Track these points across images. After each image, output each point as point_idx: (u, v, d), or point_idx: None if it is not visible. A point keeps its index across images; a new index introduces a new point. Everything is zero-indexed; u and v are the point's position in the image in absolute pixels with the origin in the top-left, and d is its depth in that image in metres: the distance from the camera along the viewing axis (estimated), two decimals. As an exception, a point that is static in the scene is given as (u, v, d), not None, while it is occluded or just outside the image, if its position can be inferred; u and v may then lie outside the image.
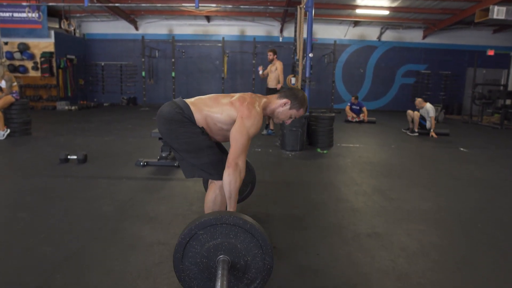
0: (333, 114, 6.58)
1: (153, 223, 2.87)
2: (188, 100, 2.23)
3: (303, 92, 2.42)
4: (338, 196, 3.75)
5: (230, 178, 1.97)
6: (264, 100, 2.31)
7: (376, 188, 4.04)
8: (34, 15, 8.68)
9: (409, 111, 8.41)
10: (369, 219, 3.11)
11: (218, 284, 1.54)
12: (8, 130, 6.46)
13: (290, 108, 2.31)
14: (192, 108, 2.16)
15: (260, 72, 7.54)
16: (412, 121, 8.34)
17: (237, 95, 2.24)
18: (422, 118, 8.27)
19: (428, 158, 5.95)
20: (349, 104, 10.81)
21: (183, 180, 4.09)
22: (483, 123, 10.99)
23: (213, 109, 2.17)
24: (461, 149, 6.69)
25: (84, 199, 3.42)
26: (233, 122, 2.11)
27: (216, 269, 1.66)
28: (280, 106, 2.31)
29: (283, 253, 2.43)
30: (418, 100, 8.32)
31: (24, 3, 8.71)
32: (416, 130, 8.28)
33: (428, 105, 8.18)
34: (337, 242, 2.64)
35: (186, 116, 2.14)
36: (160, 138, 4.69)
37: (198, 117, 2.15)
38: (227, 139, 2.22)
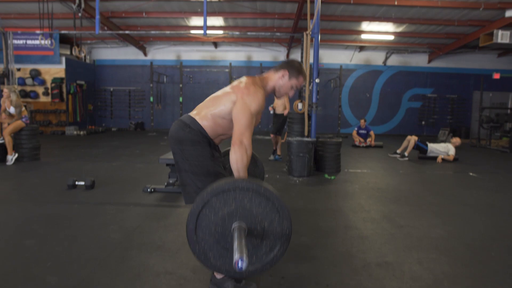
0: (340, 139, 6.58)
1: (161, 252, 2.85)
2: (192, 113, 2.23)
3: (298, 61, 2.37)
4: (346, 223, 3.70)
5: (237, 156, 1.93)
6: (261, 78, 2.28)
7: (384, 215, 3.98)
8: (47, 42, 8.90)
9: (409, 136, 8.30)
10: (378, 247, 3.06)
11: (236, 243, 1.45)
12: (16, 155, 6.54)
13: (290, 79, 2.27)
14: (197, 118, 2.16)
15: (272, 112, 7.69)
16: (407, 146, 8.22)
17: (232, 83, 2.24)
18: (424, 144, 8.15)
19: (437, 184, 5.89)
20: (356, 128, 10.81)
21: (190, 208, 4.06)
22: (491, 147, 10.90)
23: (215, 106, 2.16)
24: (471, 174, 6.61)
25: (91, 226, 3.41)
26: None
27: (232, 237, 1.56)
28: (279, 79, 2.28)
29: (292, 284, 2.39)
30: (458, 140, 8.19)
31: (38, 31, 8.95)
32: (407, 154, 8.18)
33: (450, 146, 8.09)
34: (346, 272, 2.59)
35: (196, 132, 2.12)
36: (168, 164, 4.71)
37: (206, 124, 2.14)
38: None
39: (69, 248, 2.90)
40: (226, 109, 2.12)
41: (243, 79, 2.22)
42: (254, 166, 2.74)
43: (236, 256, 1.41)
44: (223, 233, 1.61)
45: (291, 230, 1.63)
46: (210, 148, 2.16)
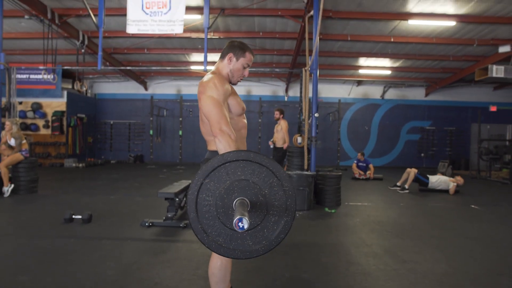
0: (340, 173, 6.56)
1: (157, 289, 2.76)
2: (208, 148, 2.27)
3: (238, 40, 2.33)
4: (348, 258, 3.62)
5: (223, 144, 1.88)
6: (213, 72, 2.25)
7: (387, 250, 3.91)
8: (50, 77, 9.06)
9: (409, 169, 8.27)
10: (382, 284, 2.98)
11: (236, 210, 1.37)
12: (12, 186, 6.50)
13: (237, 59, 2.23)
14: (211, 149, 2.21)
15: (272, 146, 7.77)
16: (407, 179, 8.18)
17: None
18: (424, 176, 8.11)
19: (439, 217, 5.81)
20: (355, 161, 10.81)
21: (189, 242, 3.99)
22: (492, 178, 10.86)
23: (206, 126, 2.17)
24: (472, 206, 6.55)
25: (87, 262, 3.33)
26: None
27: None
28: (228, 64, 2.24)
29: (293, 323, 2.30)
30: (461, 180, 8.09)
31: (41, 67, 9.13)
32: (407, 187, 8.14)
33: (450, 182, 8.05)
34: (350, 310, 2.50)
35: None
36: (166, 198, 4.66)
37: (215, 148, 2.13)
38: (241, 127, 2.25)
39: (64, 284, 2.82)
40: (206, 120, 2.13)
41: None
42: None
43: (235, 217, 1.33)
44: (226, 212, 1.52)
45: (293, 191, 1.55)
46: None
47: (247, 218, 1.33)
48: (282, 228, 1.57)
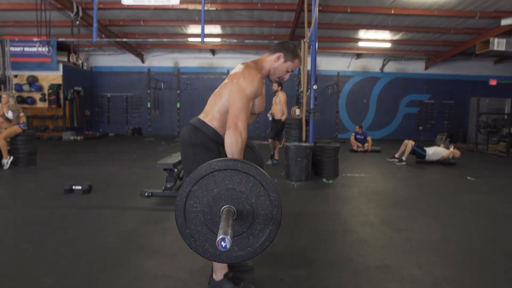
0: (338, 144, 6.58)
1: (158, 255, 2.82)
2: (201, 116, 2.20)
3: (293, 43, 2.31)
4: (345, 227, 3.69)
5: (231, 140, 1.89)
6: (256, 61, 2.24)
7: (383, 219, 3.97)
8: (44, 49, 8.90)
9: (406, 141, 8.31)
10: (378, 250, 3.04)
11: (222, 223, 1.41)
12: (11, 158, 6.51)
13: (285, 61, 2.22)
14: (207, 121, 2.14)
15: (270, 119, 7.72)
16: (404, 151, 8.23)
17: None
18: (421, 149, 8.16)
19: (435, 188, 5.88)
20: (353, 134, 10.84)
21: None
22: (489, 151, 10.93)
23: (218, 103, 2.13)
24: (469, 178, 6.61)
25: (88, 230, 3.38)
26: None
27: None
28: (274, 61, 2.22)
29: (291, 287, 2.36)
30: (458, 153, 8.12)
31: (35, 39, 8.94)
32: (404, 159, 8.19)
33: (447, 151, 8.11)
34: (345, 275, 2.57)
35: (208, 137, 2.11)
36: (165, 169, 4.69)
37: (216, 124, 2.12)
38: (250, 117, 2.16)
39: (65, 252, 2.87)
40: (226, 101, 2.08)
41: (238, 65, 2.19)
42: (251, 152, 2.70)
43: (219, 236, 1.36)
44: (213, 219, 1.57)
45: (279, 200, 1.59)
46: (220, 154, 2.14)
47: (229, 237, 1.36)
48: (267, 236, 1.62)
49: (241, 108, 1.96)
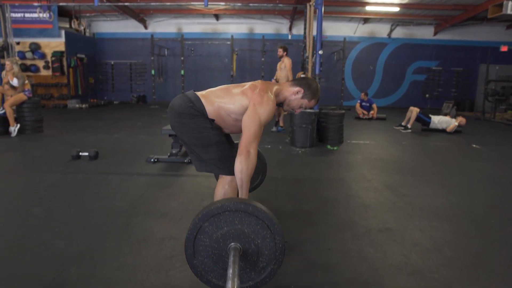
0: (343, 111, 6.55)
1: (165, 219, 2.89)
2: (199, 93, 2.20)
3: (317, 83, 2.35)
4: (348, 192, 3.73)
5: (242, 166, 1.94)
6: (276, 87, 2.26)
7: (387, 185, 4.01)
8: (45, 15, 8.77)
9: (411, 107, 8.23)
10: (380, 215, 3.09)
11: (230, 271, 1.52)
12: (18, 125, 6.56)
13: (302, 97, 2.25)
14: (203, 100, 2.14)
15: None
16: (410, 118, 8.18)
17: (248, 83, 2.20)
18: (426, 116, 8.09)
19: (440, 155, 5.89)
20: (359, 101, 10.75)
21: (194, 176, 4.10)
22: (496, 120, 10.84)
23: (224, 100, 2.14)
24: (474, 146, 6.60)
25: (96, 195, 3.45)
26: (246, 112, 2.08)
27: (228, 260, 1.64)
28: (293, 94, 2.25)
29: (294, 248, 2.43)
30: (464, 120, 8.07)
31: (35, 4, 8.79)
32: (410, 126, 8.15)
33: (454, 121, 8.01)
34: (348, 237, 2.62)
35: (198, 109, 2.11)
36: (170, 135, 4.72)
37: (210, 110, 2.12)
38: (241, 130, 2.18)
39: (75, 215, 2.95)
40: (234, 109, 2.10)
41: (258, 83, 2.18)
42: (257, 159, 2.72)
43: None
44: (220, 254, 1.69)
45: (284, 244, 1.71)
46: (210, 120, 2.14)
47: None
48: (268, 273, 1.74)
49: (255, 135, 2.00)
